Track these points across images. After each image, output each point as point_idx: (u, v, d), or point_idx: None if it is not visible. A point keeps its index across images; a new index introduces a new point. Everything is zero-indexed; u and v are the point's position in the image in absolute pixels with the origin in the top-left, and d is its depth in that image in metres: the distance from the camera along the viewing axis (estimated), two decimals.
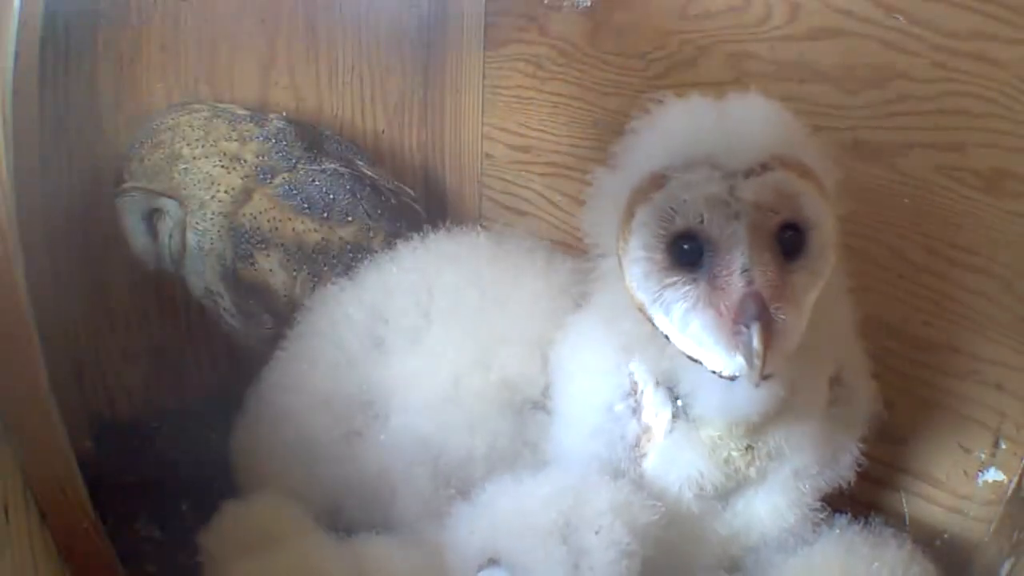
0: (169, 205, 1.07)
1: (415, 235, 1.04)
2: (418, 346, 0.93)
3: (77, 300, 1.19)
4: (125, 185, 1.06)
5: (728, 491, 0.79)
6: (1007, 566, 0.86)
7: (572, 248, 1.09)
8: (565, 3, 1.23)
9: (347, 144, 1.21)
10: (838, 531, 0.84)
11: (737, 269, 0.64)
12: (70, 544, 0.85)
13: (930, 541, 0.93)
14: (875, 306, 0.96)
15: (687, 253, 0.66)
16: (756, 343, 0.62)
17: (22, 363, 0.80)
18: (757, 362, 0.62)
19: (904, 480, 1.00)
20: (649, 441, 0.78)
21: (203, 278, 1.10)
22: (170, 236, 1.09)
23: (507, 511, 0.76)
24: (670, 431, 0.76)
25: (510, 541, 0.72)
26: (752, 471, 0.77)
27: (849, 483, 0.83)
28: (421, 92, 1.41)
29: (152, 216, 1.09)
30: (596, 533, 0.71)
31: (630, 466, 0.79)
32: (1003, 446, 0.92)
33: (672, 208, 0.66)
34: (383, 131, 1.40)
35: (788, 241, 0.66)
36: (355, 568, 0.81)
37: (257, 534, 0.85)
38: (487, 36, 1.35)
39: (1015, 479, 0.90)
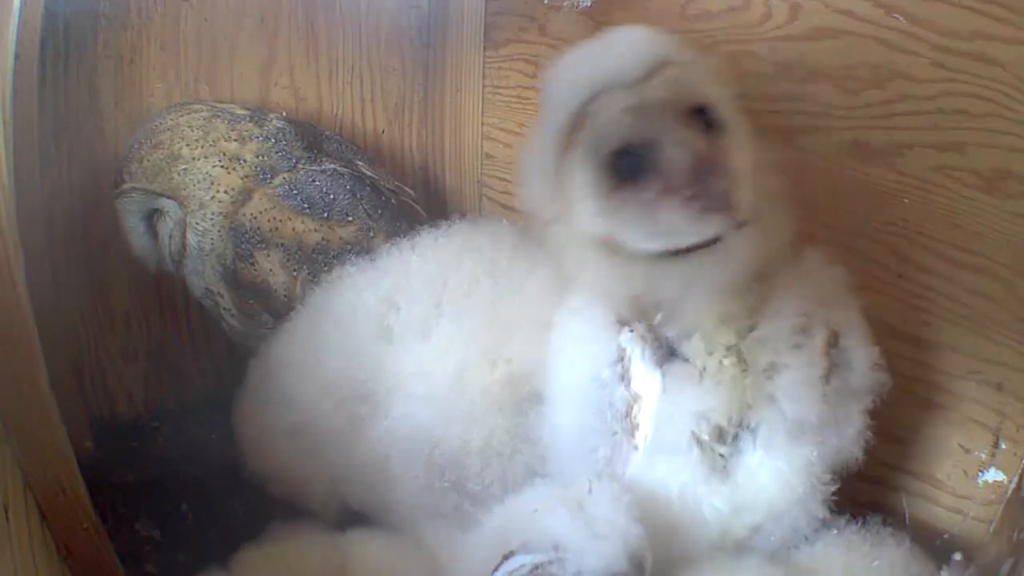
0: (169, 205, 1.07)
1: (441, 223, 1.04)
2: (426, 337, 0.92)
3: (77, 300, 1.19)
4: (125, 186, 1.06)
5: (735, 427, 0.79)
6: (1007, 566, 0.86)
7: None
8: (565, 3, 1.23)
9: (347, 144, 1.21)
10: (836, 531, 0.84)
11: (675, 149, 0.70)
12: (70, 544, 0.85)
13: (930, 541, 0.93)
14: (875, 306, 0.96)
15: (626, 168, 0.72)
16: (720, 185, 0.68)
17: (22, 363, 0.80)
18: (730, 203, 0.69)
19: (904, 480, 1.00)
20: (640, 411, 0.79)
21: (203, 278, 1.10)
22: (170, 236, 1.09)
23: (511, 513, 0.76)
24: (663, 384, 0.79)
25: (523, 530, 0.73)
26: (749, 390, 0.78)
27: (850, 483, 0.83)
28: (421, 92, 1.41)
29: (152, 217, 1.09)
30: (592, 491, 0.75)
31: (623, 438, 0.80)
32: (1003, 446, 0.92)
33: (598, 134, 0.73)
34: (383, 131, 1.40)
35: (702, 121, 0.72)
36: (340, 563, 0.81)
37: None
38: (487, 36, 1.35)
39: (1015, 479, 0.90)
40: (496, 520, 0.78)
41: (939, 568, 0.84)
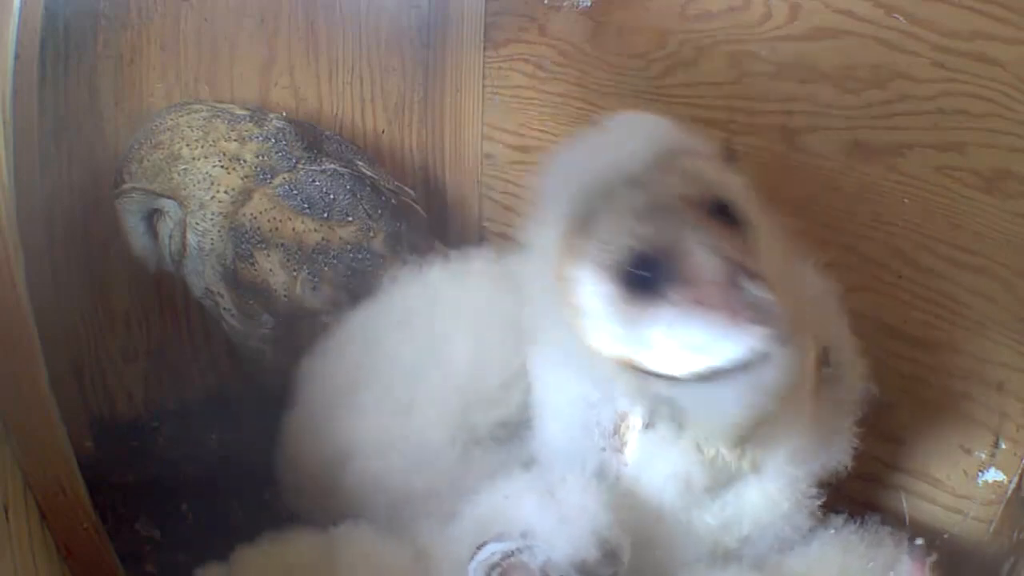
0: (169, 206, 1.07)
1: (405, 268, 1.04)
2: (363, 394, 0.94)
3: (77, 300, 1.19)
4: (125, 186, 1.06)
5: (719, 488, 0.78)
6: (1007, 566, 0.86)
7: None
8: (565, 3, 1.23)
9: (347, 144, 1.21)
10: (833, 531, 0.84)
11: (703, 253, 0.61)
12: (70, 544, 0.85)
13: (930, 541, 0.93)
14: (875, 306, 0.97)
15: (642, 277, 0.62)
16: (764, 294, 0.58)
17: (22, 363, 0.80)
18: (774, 314, 0.58)
19: (904, 480, 1.00)
20: (628, 429, 0.77)
21: (203, 278, 1.10)
22: (170, 237, 1.09)
23: (487, 504, 0.77)
24: (647, 424, 0.74)
25: (496, 520, 0.74)
26: (745, 464, 0.76)
27: (849, 482, 0.83)
28: (421, 92, 1.41)
29: (152, 217, 1.09)
30: (567, 481, 0.76)
31: (611, 454, 0.79)
32: (1003, 446, 0.92)
33: (606, 242, 0.63)
34: (383, 131, 1.40)
35: (721, 216, 0.64)
36: (329, 557, 0.81)
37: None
38: (487, 36, 1.35)
39: (1015, 479, 0.90)
40: (474, 511, 0.78)
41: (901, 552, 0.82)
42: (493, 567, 0.71)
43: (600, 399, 0.78)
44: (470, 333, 0.95)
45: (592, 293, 0.64)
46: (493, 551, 0.71)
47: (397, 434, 0.91)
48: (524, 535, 0.71)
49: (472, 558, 0.72)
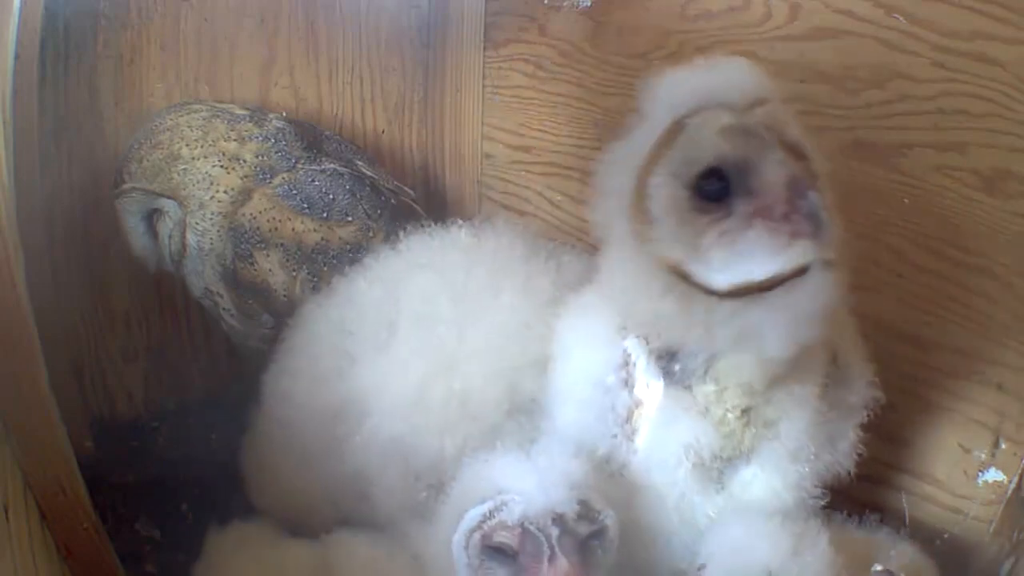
0: (169, 205, 1.07)
1: (391, 242, 1.03)
2: (384, 354, 0.92)
3: (77, 300, 1.19)
4: (125, 186, 1.06)
5: (725, 460, 0.79)
6: (1007, 566, 0.86)
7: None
8: (565, 3, 1.23)
9: (347, 144, 1.21)
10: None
11: (774, 168, 0.67)
12: (70, 544, 0.85)
13: (930, 541, 0.93)
14: (875, 306, 0.97)
15: (714, 190, 0.69)
16: (817, 206, 0.65)
17: (22, 363, 0.80)
18: (824, 223, 0.65)
19: (904, 480, 1.00)
20: (641, 416, 0.79)
21: (203, 278, 1.10)
22: (170, 236, 1.09)
23: (466, 479, 0.78)
24: (663, 404, 0.77)
25: (477, 488, 0.74)
26: (747, 438, 0.77)
27: (849, 482, 0.83)
28: (421, 92, 1.41)
29: (152, 217, 1.09)
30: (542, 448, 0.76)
31: (622, 441, 0.80)
32: (1003, 446, 0.92)
33: (690, 150, 0.69)
34: (383, 131, 1.40)
35: (793, 155, 0.70)
36: (323, 563, 0.81)
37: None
38: (487, 36, 1.35)
39: (1015, 479, 0.91)
40: (458, 487, 0.78)
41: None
42: (473, 531, 0.72)
43: (616, 383, 0.80)
44: (516, 293, 0.93)
45: (667, 194, 0.70)
46: (472, 516, 0.72)
47: (437, 390, 0.88)
48: (500, 491, 0.72)
49: (456, 530, 0.72)
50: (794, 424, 0.77)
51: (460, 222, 1.04)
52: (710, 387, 0.76)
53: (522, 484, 0.72)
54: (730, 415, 0.76)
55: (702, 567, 0.75)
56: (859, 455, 0.82)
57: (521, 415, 0.90)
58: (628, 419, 0.80)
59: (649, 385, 0.78)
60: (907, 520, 0.99)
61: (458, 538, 0.73)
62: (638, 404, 0.79)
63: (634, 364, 0.79)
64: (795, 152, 0.69)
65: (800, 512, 0.81)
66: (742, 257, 0.68)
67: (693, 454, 0.77)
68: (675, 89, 0.74)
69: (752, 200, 0.67)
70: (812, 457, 0.80)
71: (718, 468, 0.79)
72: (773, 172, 0.67)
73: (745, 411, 0.76)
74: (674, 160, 0.70)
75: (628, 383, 0.80)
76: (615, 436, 0.81)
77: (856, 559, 0.77)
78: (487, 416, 0.89)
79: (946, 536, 0.96)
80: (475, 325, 0.91)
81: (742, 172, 0.68)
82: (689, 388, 0.76)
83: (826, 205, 0.67)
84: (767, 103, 0.71)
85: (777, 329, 0.70)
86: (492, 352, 0.90)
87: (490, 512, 0.71)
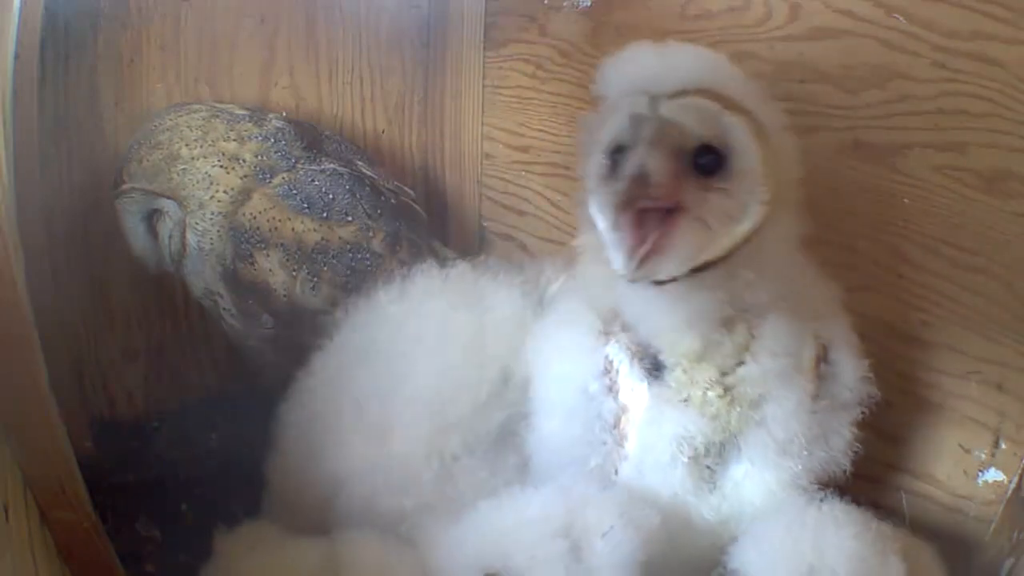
0: (169, 206, 1.07)
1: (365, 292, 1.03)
2: (348, 424, 0.94)
3: (77, 300, 1.19)
4: (124, 186, 1.06)
5: (717, 449, 0.79)
6: (1007, 566, 0.86)
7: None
8: (565, 3, 1.23)
9: (347, 144, 1.21)
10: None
11: (630, 164, 0.69)
12: (70, 544, 0.85)
13: (930, 541, 0.93)
14: (875, 306, 0.97)
15: (615, 164, 0.72)
16: (627, 230, 0.69)
17: (22, 363, 0.80)
18: (630, 250, 0.68)
19: (904, 480, 1.00)
20: (628, 422, 0.79)
21: (203, 278, 1.10)
22: (170, 237, 1.09)
23: (503, 523, 0.74)
24: (648, 405, 0.78)
25: (508, 551, 0.71)
26: (734, 418, 0.77)
27: (848, 482, 0.83)
28: (421, 92, 1.41)
29: (152, 217, 1.09)
30: (603, 536, 0.70)
31: (613, 447, 0.80)
32: (1003, 446, 0.92)
33: (609, 125, 0.74)
34: (383, 131, 1.40)
35: (705, 162, 0.71)
36: (331, 562, 0.81)
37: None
38: (487, 36, 1.35)
39: (1015, 479, 0.90)
40: (479, 528, 0.76)
41: None
42: None
43: (600, 390, 0.80)
44: (431, 353, 0.94)
45: (590, 157, 0.76)
46: None
47: (378, 458, 0.91)
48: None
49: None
50: (781, 407, 0.77)
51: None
52: (679, 373, 0.77)
53: None
54: (710, 394, 0.77)
55: (731, 571, 0.74)
56: (858, 454, 0.82)
57: (462, 459, 0.92)
58: (616, 424, 0.80)
59: (634, 389, 0.79)
60: (907, 520, 0.99)
61: None
62: (624, 409, 0.79)
63: (617, 370, 0.79)
64: (673, 152, 0.70)
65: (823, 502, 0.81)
66: (604, 235, 0.72)
67: (686, 446, 0.77)
68: (619, 66, 0.77)
69: (616, 183, 0.70)
70: (804, 452, 0.79)
71: (710, 465, 0.79)
72: (629, 165, 0.69)
73: (724, 388, 0.77)
74: (597, 127, 0.75)
75: (612, 389, 0.80)
76: (605, 443, 0.81)
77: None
78: (427, 472, 0.90)
79: (946, 536, 0.96)
80: (398, 394, 0.93)
81: (620, 157, 0.72)
82: (663, 379, 0.78)
83: (691, 221, 0.69)
84: (693, 95, 0.71)
85: (668, 313, 0.74)
86: (413, 416, 0.91)
87: None
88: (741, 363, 0.77)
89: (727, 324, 0.76)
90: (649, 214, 0.70)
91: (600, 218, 0.72)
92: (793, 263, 0.79)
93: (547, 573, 0.69)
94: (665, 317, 0.76)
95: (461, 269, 1.02)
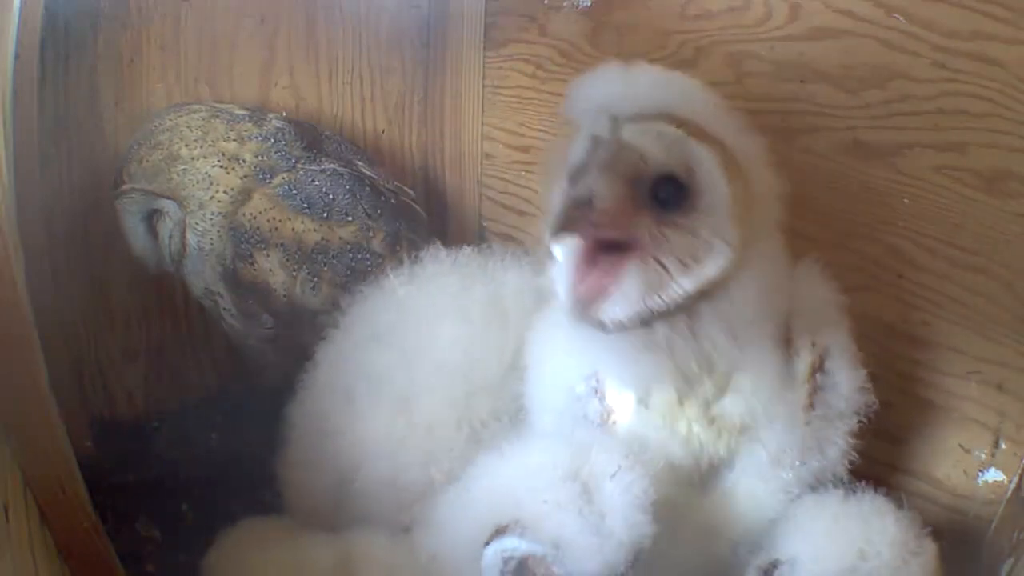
0: (168, 206, 1.07)
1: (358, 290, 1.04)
2: (363, 410, 0.94)
3: (77, 300, 1.19)
4: (124, 187, 1.06)
5: (702, 472, 0.78)
6: (1007, 566, 0.86)
7: None
8: (565, 3, 1.23)
9: (347, 144, 1.21)
10: None
11: (579, 186, 0.66)
12: (70, 544, 0.85)
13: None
14: (875, 306, 0.97)
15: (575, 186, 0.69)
16: (571, 264, 0.66)
17: (22, 363, 0.80)
18: (570, 287, 0.66)
19: (904, 480, 1.00)
20: (615, 423, 0.79)
21: (203, 278, 1.10)
22: (170, 237, 1.09)
23: (509, 474, 0.73)
24: (633, 426, 0.77)
25: (519, 501, 0.69)
26: (721, 448, 0.76)
27: (848, 483, 0.83)
28: (421, 92, 1.41)
29: (152, 217, 1.09)
30: (611, 478, 0.68)
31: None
32: (1003, 446, 0.92)
33: (573, 148, 0.71)
34: (383, 131, 1.40)
35: (666, 193, 0.67)
36: (343, 562, 0.81)
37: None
38: (487, 36, 1.35)
39: (1015, 479, 0.90)
40: (491, 480, 0.74)
41: None
42: (511, 559, 0.67)
43: (586, 392, 0.80)
44: (452, 323, 0.95)
45: (555, 178, 0.73)
46: (517, 546, 0.67)
47: (402, 431, 0.91)
48: (556, 546, 0.66)
49: (489, 542, 0.68)
50: (771, 425, 0.76)
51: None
52: (657, 407, 0.76)
53: (580, 542, 0.66)
54: (695, 426, 0.75)
55: (777, 563, 0.74)
56: (859, 455, 0.82)
57: (490, 426, 0.92)
58: (603, 423, 0.80)
59: (620, 393, 0.78)
60: None
61: (493, 552, 0.68)
62: (610, 412, 0.79)
63: (601, 379, 0.79)
64: (629, 179, 0.66)
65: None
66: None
67: (671, 471, 0.76)
68: (588, 85, 0.74)
69: (569, 223, 0.66)
70: (797, 463, 0.78)
71: (701, 474, 0.79)
72: (577, 187, 0.66)
73: (712, 421, 0.75)
74: (563, 149, 0.72)
75: (598, 391, 0.80)
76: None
77: None
78: (455, 440, 0.91)
79: (946, 536, 0.96)
80: (425, 362, 0.94)
81: (576, 178, 0.68)
82: (648, 403, 0.76)
83: (627, 265, 0.65)
84: (657, 121, 0.67)
85: (623, 368, 0.71)
86: (443, 382, 0.92)
87: (537, 555, 0.66)
88: (724, 395, 0.75)
89: (702, 365, 0.72)
90: (602, 252, 0.66)
91: (551, 248, 0.69)
92: (779, 288, 0.75)
93: (561, 518, 0.67)
94: (628, 367, 0.71)
95: (468, 252, 1.03)
